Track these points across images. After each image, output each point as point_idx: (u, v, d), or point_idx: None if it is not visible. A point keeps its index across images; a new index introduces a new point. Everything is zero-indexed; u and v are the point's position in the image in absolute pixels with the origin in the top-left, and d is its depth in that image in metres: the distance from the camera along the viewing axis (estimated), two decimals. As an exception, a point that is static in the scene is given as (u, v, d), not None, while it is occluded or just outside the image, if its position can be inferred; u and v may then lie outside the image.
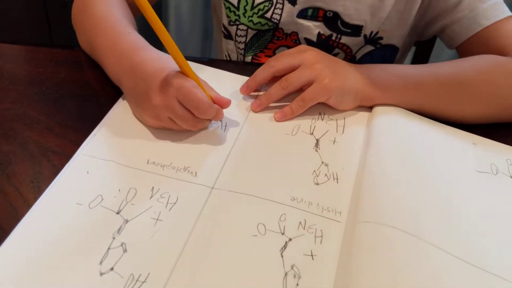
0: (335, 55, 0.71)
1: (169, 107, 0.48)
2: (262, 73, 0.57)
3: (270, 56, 0.73)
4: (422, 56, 0.93)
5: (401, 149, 0.52)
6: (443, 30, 0.66)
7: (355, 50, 0.71)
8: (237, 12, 0.70)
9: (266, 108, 0.57)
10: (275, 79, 0.57)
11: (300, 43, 0.71)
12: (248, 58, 0.75)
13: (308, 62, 0.55)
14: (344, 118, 0.58)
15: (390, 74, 0.58)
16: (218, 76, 0.63)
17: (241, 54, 0.75)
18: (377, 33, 0.68)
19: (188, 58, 0.64)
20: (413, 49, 0.88)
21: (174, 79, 0.48)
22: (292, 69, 0.56)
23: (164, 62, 0.50)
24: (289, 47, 0.72)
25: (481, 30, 0.62)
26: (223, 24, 0.76)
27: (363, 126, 0.57)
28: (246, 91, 0.58)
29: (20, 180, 0.46)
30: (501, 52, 0.60)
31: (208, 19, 1.45)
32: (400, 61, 0.77)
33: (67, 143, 0.50)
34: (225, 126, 0.55)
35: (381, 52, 0.71)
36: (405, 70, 0.59)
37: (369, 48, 0.70)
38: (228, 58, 0.79)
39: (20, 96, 0.56)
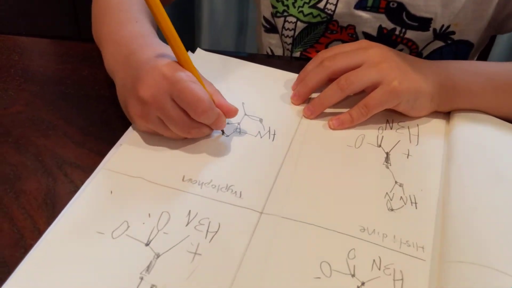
0: None
1: (159, 104, 0.39)
2: (315, 76, 0.48)
3: None
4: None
5: (493, 166, 0.42)
6: None
7: (422, 46, 0.60)
8: (285, 2, 0.61)
9: (322, 113, 0.48)
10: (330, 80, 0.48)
11: (357, 38, 0.61)
12: (296, 55, 0.66)
13: (372, 61, 0.46)
14: (418, 125, 0.48)
15: (474, 74, 0.48)
16: (261, 73, 0.54)
17: (288, 49, 0.66)
18: (448, 27, 0.58)
19: (225, 53, 0.56)
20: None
21: (170, 71, 0.39)
22: (352, 69, 0.46)
23: (162, 50, 0.42)
24: (344, 42, 0.62)
25: None
26: (264, 17, 0.67)
27: (441, 136, 0.47)
28: (298, 100, 0.49)
29: (30, 200, 0.38)
30: None
31: (243, 12, 1.36)
32: (472, 59, 0.67)
33: (88, 154, 0.43)
34: (274, 135, 0.46)
35: (452, 48, 0.60)
36: (491, 69, 0.48)
37: (439, 44, 0.60)
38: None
39: (35, 98, 0.49)
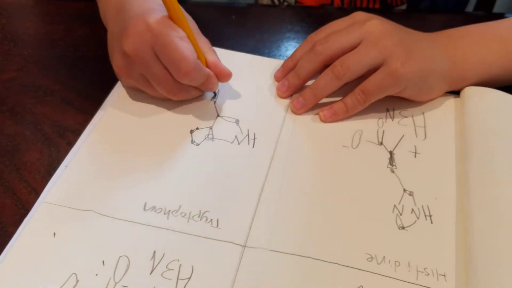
0: None
1: (141, 58, 0.36)
2: (307, 65, 0.40)
3: None
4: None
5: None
6: None
7: None
8: None
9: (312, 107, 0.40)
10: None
11: None
12: None
13: (372, 38, 0.37)
14: (423, 114, 0.40)
15: (486, 40, 0.41)
16: (238, 62, 0.45)
17: None
18: None
19: (219, 4, 0.52)
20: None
21: (155, 24, 0.35)
22: (349, 50, 0.38)
23: (156, 5, 0.38)
24: None
25: None
26: None
27: (452, 124, 0.39)
28: (287, 92, 0.41)
29: (32, 172, 0.36)
30: None
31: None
32: None
33: (90, 119, 0.39)
34: (254, 139, 0.38)
35: None
36: (503, 31, 0.41)
37: None
38: None
39: (27, 62, 0.45)
